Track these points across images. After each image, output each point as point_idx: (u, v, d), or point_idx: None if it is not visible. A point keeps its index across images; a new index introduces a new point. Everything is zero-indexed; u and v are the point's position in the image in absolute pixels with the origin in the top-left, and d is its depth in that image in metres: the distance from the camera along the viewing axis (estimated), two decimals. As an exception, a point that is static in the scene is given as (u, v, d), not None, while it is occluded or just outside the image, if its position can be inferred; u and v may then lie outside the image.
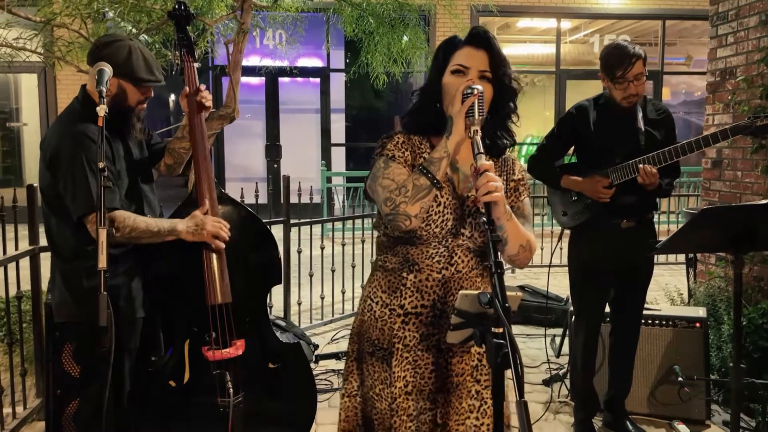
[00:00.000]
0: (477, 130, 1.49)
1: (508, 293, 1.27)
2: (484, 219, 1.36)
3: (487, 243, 1.32)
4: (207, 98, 2.28)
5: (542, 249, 6.29)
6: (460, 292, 1.34)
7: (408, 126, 1.71)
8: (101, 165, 1.65)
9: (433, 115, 1.67)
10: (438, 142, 1.61)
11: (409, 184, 1.56)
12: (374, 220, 1.80)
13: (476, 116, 1.51)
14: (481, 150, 1.46)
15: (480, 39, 1.63)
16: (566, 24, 10.65)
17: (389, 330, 1.68)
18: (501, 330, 1.23)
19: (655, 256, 6.90)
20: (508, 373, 1.22)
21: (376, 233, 1.80)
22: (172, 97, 9.98)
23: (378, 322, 1.71)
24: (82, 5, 3.15)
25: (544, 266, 5.93)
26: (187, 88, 2.28)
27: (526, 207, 1.74)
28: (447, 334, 1.45)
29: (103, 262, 1.59)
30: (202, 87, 2.29)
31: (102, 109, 1.71)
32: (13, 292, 3.00)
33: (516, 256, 1.63)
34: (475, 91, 1.52)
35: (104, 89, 1.81)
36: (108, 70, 1.91)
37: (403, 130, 1.72)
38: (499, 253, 1.31)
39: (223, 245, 2.18)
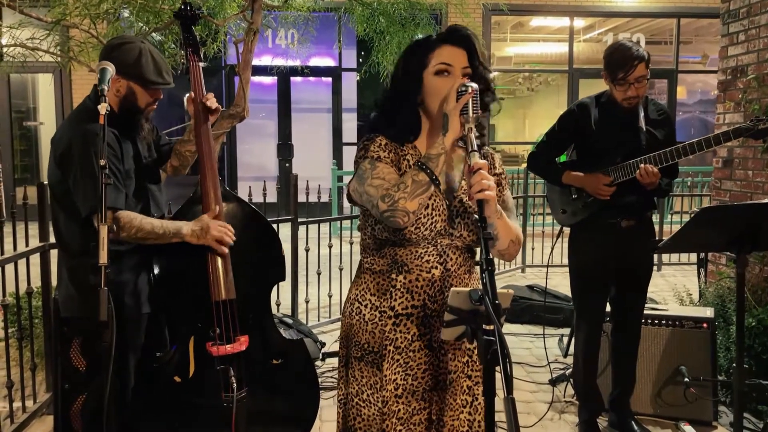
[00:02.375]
0: (471, 128, 1.50)
1: (499, 290, 1.28)
2: (476, 217, 1.37)
3: (478, 241, 1.32)
4: (212, 101, 2.30)
5: (552, 249, 6.25)
6: (452, 289, 1.35)
7: (388, 131, 1.69)
8: (102, 162, 1.68)
9: (415, 117, 1.68)
10: (419, 143, 1.62)
11: (407, 180, 1.55)
12: (358, 222, 1.79)
13: (470, 114, 1.51)
14: (475, 148, 1.46)
15: (459, 36, 1.63)
16: (580, 22, 10.58)
17: (380, 333, 1.68)
18: (491, 327, 1.24)
19: (668, 257, 6.89)
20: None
21: (361, 236, 1.79)
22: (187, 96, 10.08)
23: (368, 326, 1.70)
24: (92, 6, 3.19)
25: (555, 266, 5.92)
26: (192, 93, 2.30)
27: (509, 199, 1.76)
28: (441, 331, 1.45)
29: (103, 258, 1.62)
30: (209, 95, 2.32)
31: (103, 107, 1.74)
32: (23, 288, 3.06)
33: (506, 250, 1.67)
34: (470, 89, 1.52)
35: (105, 87, 1.84)
36: (110, 69, 1.94)
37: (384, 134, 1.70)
38: (490, 251, 1.32)
39: (226, 250, 2.20)
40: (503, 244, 1.63)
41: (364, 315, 1.71)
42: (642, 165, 2.58)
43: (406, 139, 1.70)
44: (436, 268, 1.65)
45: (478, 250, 1.64)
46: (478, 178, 1.42)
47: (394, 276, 1.66)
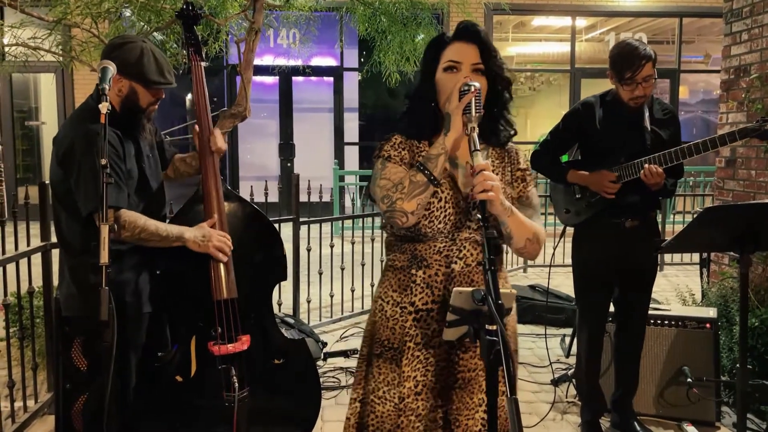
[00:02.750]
0: (474, 128, 1.49)
1: (502, 290, 1.27)
2: (480, 216, 1.37)
3: (482, 240, 1.32)
4: (216, 142, 2.31)
5: (554, 249, 6.25)
6: (454, 288, 1.35)
7: (405, 130, 1.70)
8: (103, 161, 1.68)
9: (430, 115, 1.66)
10: (437, 141, 1.61)
11: (405, 180, 1.56)
12: (382, 221, 1.80)
13: (473, 113, 1.51)
14: (478, 147, 1.46)
15: (469, 33, 1.63)
16: (581, 22, 10.57)
17: (401, 329, 1.68)
18: (494, 327, 1.23)
19: (671, 257, 6.87)
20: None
21: (385, 234, 1.80)
22: (189, 96, 10.07)
23: (389, 322, 1.70)
24: (93, 5, 3.19)
25: (557, 265, 5.90)
26: (197, 127, 2.32)
27: (534, 196, 1.74)
28: (443, 331, 1.45)
29: (104, 257, 1.61)
30: (216, 132, 2.33)
31: (104, 106, 1.74)
32: (25, 287, 3.06)
33: (524, 248, 1.64)
34: (472, 89, 1.52)
35: (106, 86, 1.84)
36: (111, 68, 1.94)
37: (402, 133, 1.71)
38: (494, 249, 1.31)
39: (225, 258, 2.21)
40: (519, 242, 1.62)
41: (386, 311, 1.71)
42: (646, 165, 2.56)
43: (423, 137, 1.69)
44: (456, 262, 1.64)
45: (502, 246, 1.63)
46: (480, 179, 1.42)
47: (414, 271, 1.66)
